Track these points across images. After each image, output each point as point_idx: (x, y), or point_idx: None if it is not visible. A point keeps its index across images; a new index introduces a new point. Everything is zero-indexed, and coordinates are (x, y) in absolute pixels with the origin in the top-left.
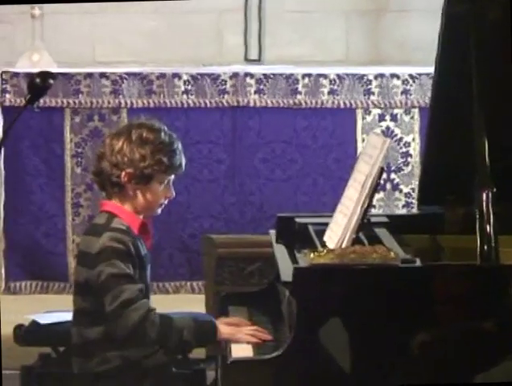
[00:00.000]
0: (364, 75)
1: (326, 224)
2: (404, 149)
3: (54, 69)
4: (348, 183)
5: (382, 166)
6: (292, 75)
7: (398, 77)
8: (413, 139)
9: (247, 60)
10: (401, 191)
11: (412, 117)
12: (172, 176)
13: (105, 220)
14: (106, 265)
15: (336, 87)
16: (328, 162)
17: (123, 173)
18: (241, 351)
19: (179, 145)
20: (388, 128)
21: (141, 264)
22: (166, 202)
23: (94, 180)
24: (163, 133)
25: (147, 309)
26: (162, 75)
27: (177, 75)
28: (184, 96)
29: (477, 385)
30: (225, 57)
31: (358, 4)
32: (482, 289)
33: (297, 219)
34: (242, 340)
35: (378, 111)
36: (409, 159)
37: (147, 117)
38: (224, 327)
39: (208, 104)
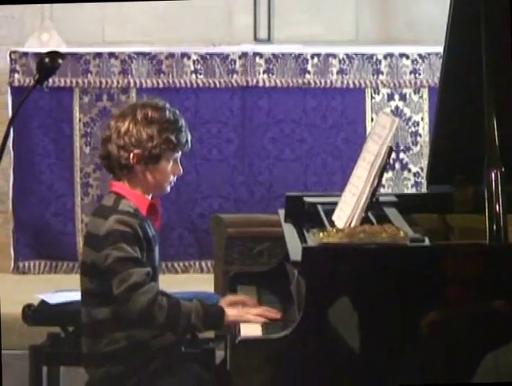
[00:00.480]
0: (373, 54)
1: (335, 204)
2: (413, 129)
3: (63, 49)
4: (357, 163)
5: (391, 146)
6: (301, 54)
7: (407, 57)
8: (422, 118)
9: (256, 40)
10: (410, 171)
11: (421, 97)
12: (180, 153)
13: (113, 202)
14: (113, 249)
15: (345, 66)
16: (338, 141)
17: (131, 154)
18: (250, 330)
19: (184, 122)
20: (397, 107)
21: (148, 246)
22: (175, 179)
23: (102, 163)
24: (167, 111)
25: (155, 292)
26: (171, 55)
27: (186, 55)
28: (193, 76)
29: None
30: (235, 37)
31: None
32: (491, 269)
33: (306, 199)
34: (250, 321)
35: (387, 90)
36: (418, 139)
37: (150, 97)
38: (231, 310)
39: (218, 84)
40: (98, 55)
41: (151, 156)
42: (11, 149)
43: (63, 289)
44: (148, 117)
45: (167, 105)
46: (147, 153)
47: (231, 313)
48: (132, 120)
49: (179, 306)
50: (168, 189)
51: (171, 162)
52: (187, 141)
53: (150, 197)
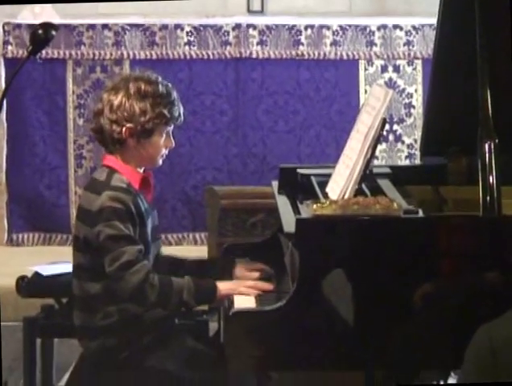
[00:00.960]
0: (367, 26)
1: (329, 175)
2: (407, 101)
3: (56, 20)
4: (350, 134)
5: (385, 118)
6: (295, 26)
7: (401, 28)
8: (416, 90)
9: (250, 12)
10: (403, 142)
11: (415, 68)
12: (172, 126)
13: (106, 177)
14: (105, 226)
15: (338, 38)
16: (331, 113)
17: (123, 129)
18: (244, 302)
19: (176, 95)
20: (391, 79)
21: (141, 221)
22: (167, 152)
23: (94, 136)
24: (160, 85)
25: (147, 271)
26: (164, 27)
27: (179, 27)
28: (187, 48)
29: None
30: (228, 9)
31: None
32: (484, 240)
33: (299, 171)
34: (243, 294)
35: (381, 62)
36: (412, 110)
37: (142, 69)
38: (223, 284)
39: (211, 56)
40: (92, 26)
41: (144, 130)
42: (4, 121)
43: (56, 261)
44: (141, 91)
45: (160, 79)
46: (140, 128)
47: (223, 287)
48: (125, 94)
49: (170, 284)
50: (160, 162)
51: (164, 136)
52: (179, 114)
53: (142, 170)
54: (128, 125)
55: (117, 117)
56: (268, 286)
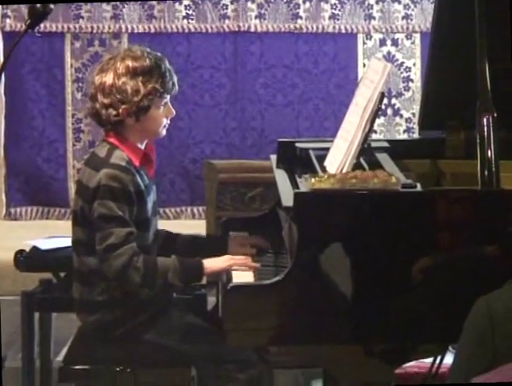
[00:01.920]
0: None
1: (327, 149)
2: (405, 74)
3: None
4: (349, 108)
5: (383, 91)
6: None
7: (399, 2)
8: (414, 64)
9: None
10: (402, 116)
11: (413, 42)
12: (168, 96)
13: (106, 153)
14: (99, 204)
15: (337, 11)
16: (330, 87)
17: (120, 110)
18: (242, 276)
19: (166, 65)
20: (389, 53)
21: (140, 198)
22: (168, 121)
23: (92, 119)
24: (148, 59)
25: (131, 254)
26: (162, 0)
27: (178, 0)
28: (185, 21)
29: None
30: None
31: None
32: (482, 214)
33: (298, 144)
34: (231, 268)
35: (379, 36)
36: (410, 84)
37: (130, 46)
38: (209, 261)
39: (209, 30)
40: None
41: (140, 108)
42: (3, 94)
43: (55, 235)
44: (130, 69)
45: (146, 52)
46: (135, 107)
47: (209, 264)
48: (115, 74)
49: (155, 266)
50: (164, 132)
51: (162, 107)
52: (173, 84)
53: (144, 146)
54: (123, 106)
55: (112, 101)
56: (256, 265)
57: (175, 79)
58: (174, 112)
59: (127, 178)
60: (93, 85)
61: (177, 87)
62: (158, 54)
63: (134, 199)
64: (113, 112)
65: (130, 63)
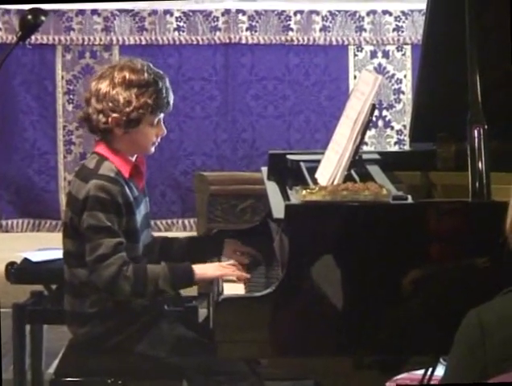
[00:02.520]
0: (356, 11)
1: (318, 161)
2: (396, 86)
3: (45, 6)
4: (340, 120)
5: (374, 103)
6: (284, 11)
7: (390, 14)
8: (405, 76)
9: None
10: (393, 128)
11: (404, 54)
12: (161, 114)
13: (95, 164)
14: (88, 215)
15: (328, 23)
16: (321, 98)
17: (109, 118)
18: (233, 288)
19: (165, 83)
20: (380, 64)
21: (129, 210)
22: (159, 140)
23: (84, 124)
24: (146, 74)
25: (121, 263)
26: (154, 12)
27: (169, 12)
28: (176, 33)
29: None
30: None
31: None
32: (473, 226)
33: (289, 156)
34: (221, 275)
35: (370, 48)
36: (401, 96)
37: (131, 57)
38: (199, 268)
39: (201, 41)
40: (81, 12)
41: (130, 120)
42: None
43: (46, 247)
44: (126, 81)
45: (147, 66)
46: (125, 118)
47: (200, 270)
48: (110, 83)
49: (145, 274)
50: (152, 150)
51: (154, 124)
52: (167, 102)
53: (134, 158)
54: (113, 114)
55: (103, 107)
56: (246, 275)
57: (172, 98)
58: (165, 132)
59: (116, 189)
60: (89, 90)
61: (171, 107)
62: (161, 72)
63: (122, 209)
64: (102, 118)
65: (127, 74)
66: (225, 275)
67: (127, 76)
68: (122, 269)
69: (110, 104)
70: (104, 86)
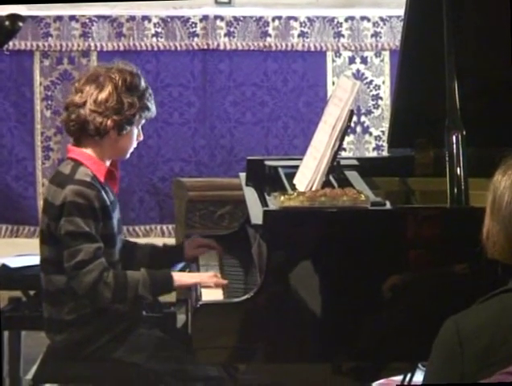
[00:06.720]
0: (334, 17)
1: (296, 167)
2: (374, 92)
3: (23, 12)
4: (318, 126)
5: (352, 109)
6: (262, 17)
7: (368, 20)
8: (383, 82)
9: (217, 3)
10: (371, 134)
11: (382, 60)
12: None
13: (70, 170)
14: (65, 221)
15: (306, 29)
16: (299, 104)
17: (109, 121)
18: (211, 294)
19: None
20: (358, 70)
21: (106, 214)
22: (135, 145)
23: (67, 127)
24: (142, 78)
25: (101, 270)
26: (132, 18)
27: (147, 18)
28: (154, 39)
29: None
30: (196, 0)
31: None
32: (452, 232)
33: (267, 162)
34: (199, 283)
35: (349, 54)
36: (379, 102)
37: (123, 62)
38: (179, 275)
39: (179, 47)
40: (59, 18)
41: (128, 122)
42: None
43: (24, 253)
44: (127, 83)
45: (139, 70)
46: (124, 120)
47: (179, 277)
48: (112, 86)
49: (125, 280)
50: (128, 155)
51: (139, 128)
52: (152, 106)
53: (108, 163)
54: (114, 117)
55: (103, 110)
56: (223, 281)
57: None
58: (142, 137)
59: (92, 194)
60: (82, 93)
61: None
62: None
63: (99, 214)
64: (101, 120)
65: (128, 77)
66: (203, 282)
67: (129, 80)
68: (103, 275)
69: (113, 107)
70: (105, 90)
